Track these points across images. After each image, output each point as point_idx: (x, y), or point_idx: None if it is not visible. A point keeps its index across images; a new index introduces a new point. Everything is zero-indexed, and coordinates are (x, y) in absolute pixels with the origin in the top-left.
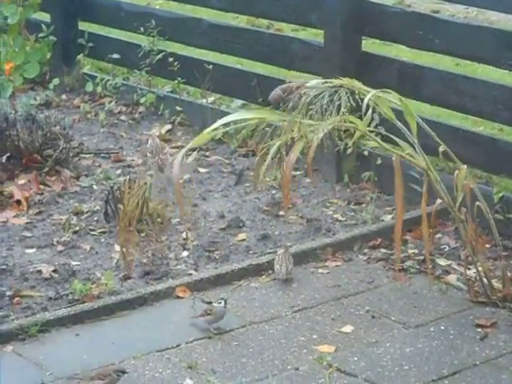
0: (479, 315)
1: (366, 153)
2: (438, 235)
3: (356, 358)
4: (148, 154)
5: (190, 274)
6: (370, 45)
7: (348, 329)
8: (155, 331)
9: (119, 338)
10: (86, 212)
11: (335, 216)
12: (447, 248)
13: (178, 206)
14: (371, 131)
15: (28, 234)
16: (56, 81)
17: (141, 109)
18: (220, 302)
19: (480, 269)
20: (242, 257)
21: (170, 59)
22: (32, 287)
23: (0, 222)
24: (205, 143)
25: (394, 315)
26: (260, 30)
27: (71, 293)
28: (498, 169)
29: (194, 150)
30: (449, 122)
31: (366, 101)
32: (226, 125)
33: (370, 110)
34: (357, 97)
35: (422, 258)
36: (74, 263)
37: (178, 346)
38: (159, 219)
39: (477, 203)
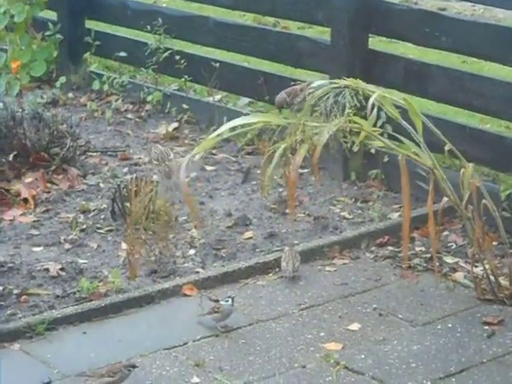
0: (486, 313)
1: (372, 151)
2: (445, 233)
3: (363, 356)
4: (154, 162)
5: (197, 272)
6: (376, 42)
7: (355, 326)
8: (162, 329)
9: (126, 336)
10: (93, 210)
11: (342, 214)
12: (454, 246)
13: (184, 203)
14: (376, 130)
15: (35, 232)
16: (63, 79)
17: (147, 107)
18: (227, 301)
19: (487, 266)
20: (248, 255)
21: (177, 57)
22: (39, 285)
23: (7, 220)
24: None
25: (402, 313)
26: (267, 28)
27: (78, 291)
28: (505, 166)
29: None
30: (455, 120)
31: (370, 102)
32: (231, 129)
33: (376, 110)
34: (361, 97)
35: (429, 255)
36: (81, 261)
37: (185, 343)
38: (166, 217)
39: (483, 201)
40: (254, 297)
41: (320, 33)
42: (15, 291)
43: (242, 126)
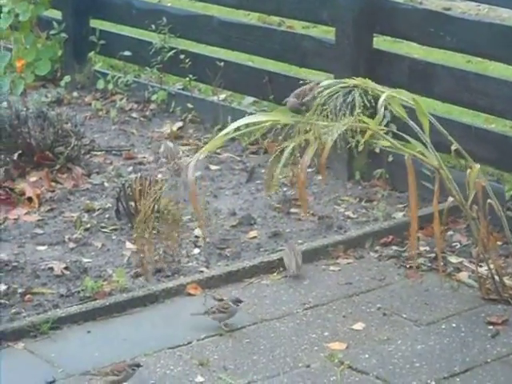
0: (491, 312)
1: (377, 150)
2: (450, 233)
3: (367, 356)
4: (162, 159)
5: (202, 272)
6: (381, 42)
7: (359, 326)
8: (166, 328)
9: (131, 335)
10: (98, 209)
11: (347, 213)
12: (459, 245)
13: (189, 203)
14: (381, 130)
15: (39, 231)
16: (67, 78)
17: (152, 106)
18: (238, 305)
19: (492, 266)
20: (253, 254)
21: (182, 56)
22: (43, 284)
23: (11, 219)
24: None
25: (406, 312)
26: (271, 28)
27: (83, 290)
28: (510, 166)
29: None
30: (460, 120)
31: (381, 101)
32: (241, 127)
33: (382, 109)
34: (370, 96)
35: (433, 255)
36: (85, 260)
37: (189, 343)
38: (170, 216)
39: (488, 201)
40: (259, 296)
41: (325, 32)
42: (19, 290)
43: (252, 124)
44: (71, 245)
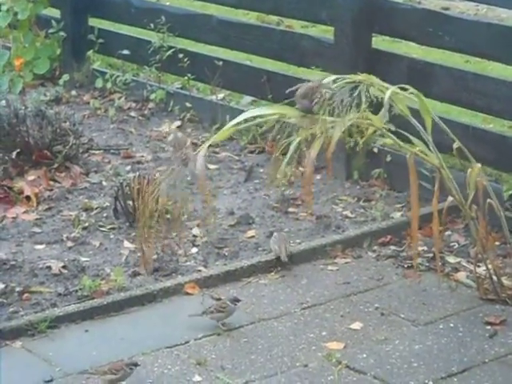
0: (488, 313)
1: (375, 150)
2: (448, 233)
3: (365, 355)
4: (170, 149)
5: (200, 271)
6: (379, 42)
7: (357, 326)
8: (164, 328)
9: (128, 335)
10: (96, 208)
11: (345, 213)
12: (457, 245)
13: (187, 202)
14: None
15: (37, 229)
16: (66, 77)
17: (150, 105)
18: (235, 305)
19: (490, 266)
20: (251, 253)
21: (180, 55)
22: (41, 283)
23: (10, 217)
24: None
25: (404, 312)
26: (270, 27)
27: (80, 289)
28: (508, 166)
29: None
30: (459, 120)
31: (386, 97)
32: (247, 120)
33: (388, 105)
34: (376, 93)
35: (431, 255)
36: (83, 259)
37: (186, 342)
38: (168, 215)
39: (488, 200)
40: (256, 295)
41: (323, 32)
42: (17, 289)
43: (253, 118)
44: (69, 244)
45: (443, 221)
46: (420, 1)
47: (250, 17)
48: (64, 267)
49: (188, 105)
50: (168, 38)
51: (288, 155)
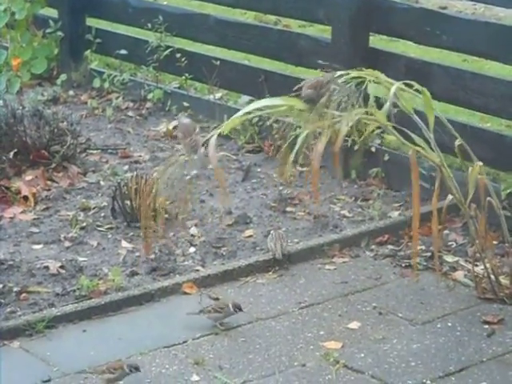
0: (486, 312)
1: (373, 149)
2: (446, 232)
3: (363, 355)
4: (179, 135)
5: (197, 270)
6: (377, 41)
7: (355, 325)
8: (162, 327)
9: (126, 334)
10: (93, 208)
11: (342, 212)
12: (454, 244)
13: (185, 201)
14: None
15: (35, 229)
16: (63, 76)
17: (148, 105)
18: (236, 312)
19: (488, 265)
20: (249, 253)
21: (178, 55)
22: (39, 283)
23: (7, 217)
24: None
25: (401, 312)
26: (268, 26)
27: (78, 289)
28: (506, 165)
29: (202, 144)
30: (456, 119)
31: (392, 92)
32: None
33: (388, 103)
34: (384, 89)
35: (429, 254)
36: (81, 259)
37: (184, 342)
38: (166, 215)
39: (488, 198)
40: (254, 295)
41: (321, 31)
42: (15, 289)
43: (269, 107)
44: (67, 243)
45: (442, 220)
46: (417, 0)
47: (247, 16)
48: (62, 267)
49: (185, 104)
50: (165, 38)
51: (296, 147)
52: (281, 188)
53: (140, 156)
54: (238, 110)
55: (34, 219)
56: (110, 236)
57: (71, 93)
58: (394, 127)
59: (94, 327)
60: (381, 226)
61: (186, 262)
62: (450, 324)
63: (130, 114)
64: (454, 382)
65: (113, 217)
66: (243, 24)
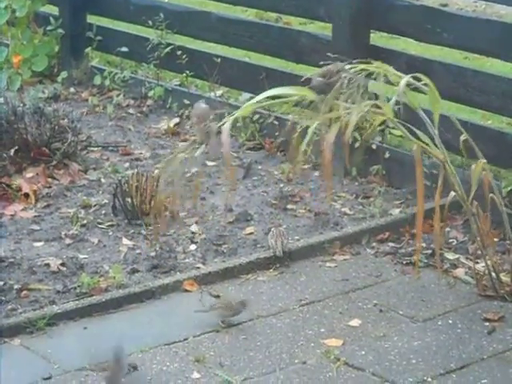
0: (487, 309)
1: (374, 146)
2: (447, 229)
3: (364, 352)
4: (194, 120)
5: (198, 268)
6: (377, 38)
7: (356, 323)
8: (163, 325)
9: (127, 332)
10: (94, 205)
11: (343, 210)
12: (455, 242)
13: (186, 199)
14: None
15: (36, 227)
16: (64, 74)
17: (149, 102)
18: (244, 309)
19: (489, 263)
20: (249, 250)
21: (179, 52)
22: (40, 280)
23: (8, 215)
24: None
25: (402, 309)
26: (268, 24)
27: (79, 286)
28: (507, 163)
29: (201, 142)
30: (457, 116)
31: (401, 85)
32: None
33: (394, 98)
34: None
35: (430, 251)
36: (81, 256)
37: (185, 339)
38: (167, 212)
39: (490, 195)
40: (255, 292)
41: (321, 28)
42: (16, 286)
43: (279, 96)
44: (68, 241)
45: (444, 217)
46: None
47: (248, 14)
48: (62, 264)
49: (186, 102)
50: (166, 35)
51: (307, 137)
52: (281, 185)
53: (141, 153)
54: (239, 107)
55: (35, 216)
56: (110, 233)
57: (72, 90)
58: (398, 122)
59: (94, 324)
60: (381, 224)
61: (186, 260)
62: (450, 321)
63: (131, 111)
64: (455, 379)
65: (113, 214)
66: (244, 21)
